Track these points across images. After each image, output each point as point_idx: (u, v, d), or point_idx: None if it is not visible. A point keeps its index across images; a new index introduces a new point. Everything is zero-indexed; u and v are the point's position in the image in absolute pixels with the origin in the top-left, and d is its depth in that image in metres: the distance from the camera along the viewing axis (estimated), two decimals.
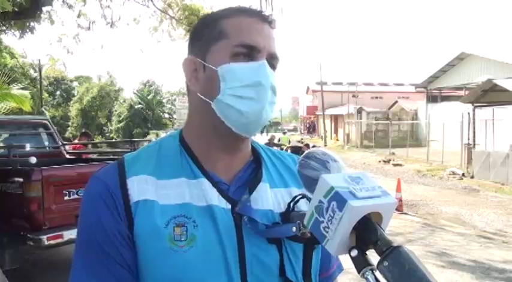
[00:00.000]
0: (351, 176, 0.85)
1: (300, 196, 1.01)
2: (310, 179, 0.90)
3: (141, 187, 0.99)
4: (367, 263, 0.79)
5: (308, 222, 0.85)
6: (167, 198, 0.98)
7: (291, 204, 1.02)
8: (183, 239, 0.95)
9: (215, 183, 1.02)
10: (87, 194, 1.02)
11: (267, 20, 1.06)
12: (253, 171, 1.09)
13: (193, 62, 1.07)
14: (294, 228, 0.93)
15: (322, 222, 0.82)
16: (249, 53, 1.01)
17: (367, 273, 0.78)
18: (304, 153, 0.96)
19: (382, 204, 0.81)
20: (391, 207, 0.83)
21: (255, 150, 1.14)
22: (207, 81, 1.04)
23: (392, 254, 0.75)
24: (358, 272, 0.79)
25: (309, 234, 0.88)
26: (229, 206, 1.00)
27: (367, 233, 0.79)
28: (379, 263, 0.76)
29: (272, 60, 1.05)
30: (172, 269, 0.94)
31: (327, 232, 0.81)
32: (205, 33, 1.06)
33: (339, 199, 0.80)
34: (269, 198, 1.05)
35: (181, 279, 0.94)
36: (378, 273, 0.78)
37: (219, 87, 1.01)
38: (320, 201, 0.83)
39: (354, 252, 0.80)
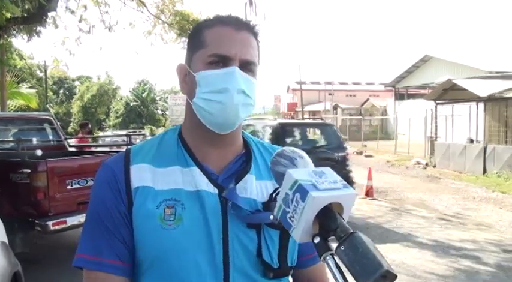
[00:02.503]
0: (315, 171, 0.85)
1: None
2: (280, 174, 0.90)
3: (141, 174, 1.03)
4: (328, 248, 0.79)
5: (277, 213, 0.85)
6: (162, 184, 1.02)
7: (273, 195, 1.03)
8: (171, 219, 0.99)
9: (206, 172, 1.04)
10: (97, 178, 1.07)
11: (243, 28, 1.05)
12: (242, 164, 1.10)
13: (183, 68, 1.10)
14: (272, 217, 0.93)
15: (288, 212, 0.82)
16: (222, 61, 1.02)
17: (327, 257, 0.78)
18: (275, 152, 0.97)
19: (342, 195, 0.81)
20: (351, 198, 0.83)
21: (247, 144, 1.14)
22: (190, 85, 1.07)
23: (348, 239, 0.75)
24: (320, 257, 0.79)
25: None
26: (216, 191, 1.02)
27: (327, 221, 0.79)
28: (337, 247, 0.76)
29: (247, 66, 1.04)
30: (161, 244, 0.98)
31: (292, 221, 0.81)
32: (192, 43, 1.08)
33: (301, 191, 0.80)
34: (254, 188, 1.06)
35: (168, 252, 0.98)
36: (337, 258, 0.78)
37: (195, 91, 1.05)
38: (286, 194, 0.83)
39: (317, 239, 0.80)
